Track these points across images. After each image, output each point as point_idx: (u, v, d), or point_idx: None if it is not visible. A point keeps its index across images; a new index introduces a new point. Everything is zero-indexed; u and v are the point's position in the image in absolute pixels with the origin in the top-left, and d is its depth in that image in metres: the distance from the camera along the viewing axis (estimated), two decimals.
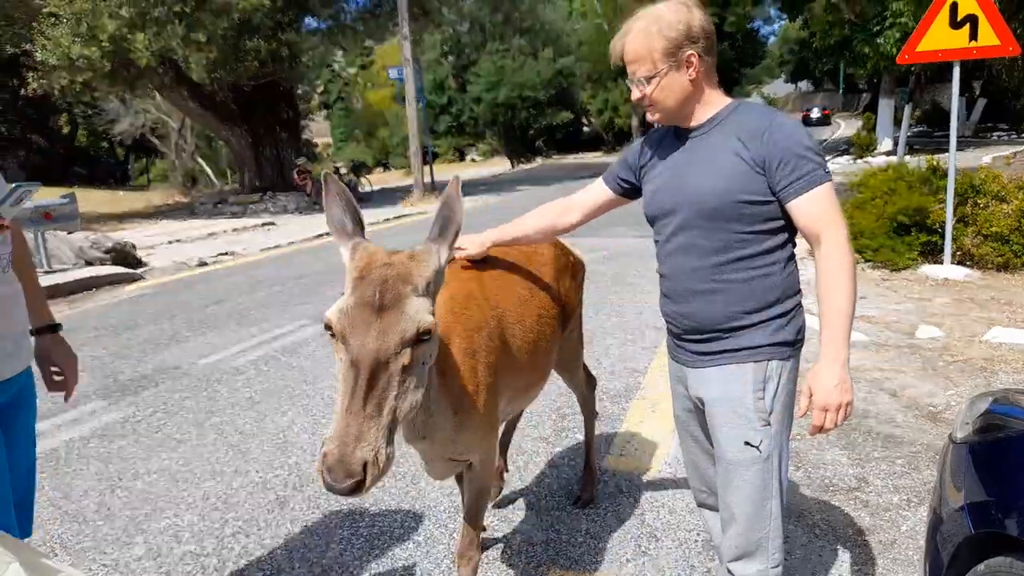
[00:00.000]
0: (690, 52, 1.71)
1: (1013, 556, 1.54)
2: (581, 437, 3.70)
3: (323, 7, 16.83)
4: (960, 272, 6.57)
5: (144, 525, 3.02)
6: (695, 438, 2.02)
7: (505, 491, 3.16)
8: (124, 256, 9.27)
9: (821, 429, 1.73)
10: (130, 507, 3.18)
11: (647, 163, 1.95)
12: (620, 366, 4.77)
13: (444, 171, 25.72)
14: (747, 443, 1.79)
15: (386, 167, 40.62)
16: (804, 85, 72.52)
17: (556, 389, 4.42)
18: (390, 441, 1.27)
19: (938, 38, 6.40)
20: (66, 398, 2.04)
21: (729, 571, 1.94)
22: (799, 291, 1.84)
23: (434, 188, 18.70)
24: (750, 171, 1.71)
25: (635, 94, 1.78)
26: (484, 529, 2.28)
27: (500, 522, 2.93)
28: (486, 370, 1.87)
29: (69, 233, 8.91)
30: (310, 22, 17.73)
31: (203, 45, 13.78)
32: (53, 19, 13.34)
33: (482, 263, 2.14)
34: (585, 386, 3.01)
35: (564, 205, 2.19)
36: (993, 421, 1.80)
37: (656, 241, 1.93)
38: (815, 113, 46.54)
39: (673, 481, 3.20)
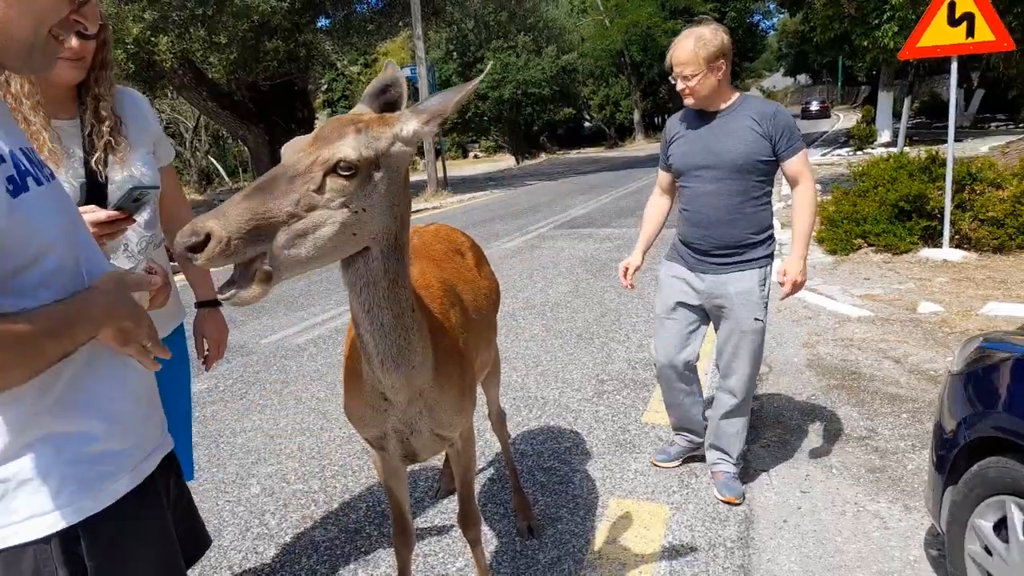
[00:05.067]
0: (721, 61, 2.68)
1: (999, 455, 2.00)
2: (620, 398, 4.18)
3: (337, 7, 17.26)
4: (958, 254, 7.02)
5: (254, 470, 3.49)
6: (674, 320, 3.01)
7: (563, 441, 3.64)
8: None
9: (790, 294, 2.85)
10: (236, 458, 3.65)
11: (674, 136, 2.92)
12: (648, 340, 5.23)
13: (449, 167, 26.12)
14: (756, 319, 2.84)
15: None
16: (803, 78, 72.82)
17: (592, 359, 4.89)
18: (251, 241, 1.19)
19: (937, 35, 6.83)
20: (206, 367, 2.24)
21: (719, 426, 3.06)
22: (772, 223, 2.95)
23: (446, 184, 19.15)
24: (761, 139, 2.71)
25: (680, 85, 2.72)
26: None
27: (560, 464, 3.40)
28: (464, 344, 1.93)
29: None
30: (324, 22, 18.13)
31: (224, 47, 14.22)
32: None
33: (426, 255, 2.18)
34: (499, 404, 3.02)
35: (657, 195, 3.15)
36: (984, 354, 2.26)
37: (682, 187, 2.90)
38: (814, 106, 46.75)
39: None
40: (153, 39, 13.79)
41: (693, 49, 2.64)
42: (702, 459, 3.25)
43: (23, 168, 1.03)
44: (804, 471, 3.22)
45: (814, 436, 3.56)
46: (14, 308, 0.98)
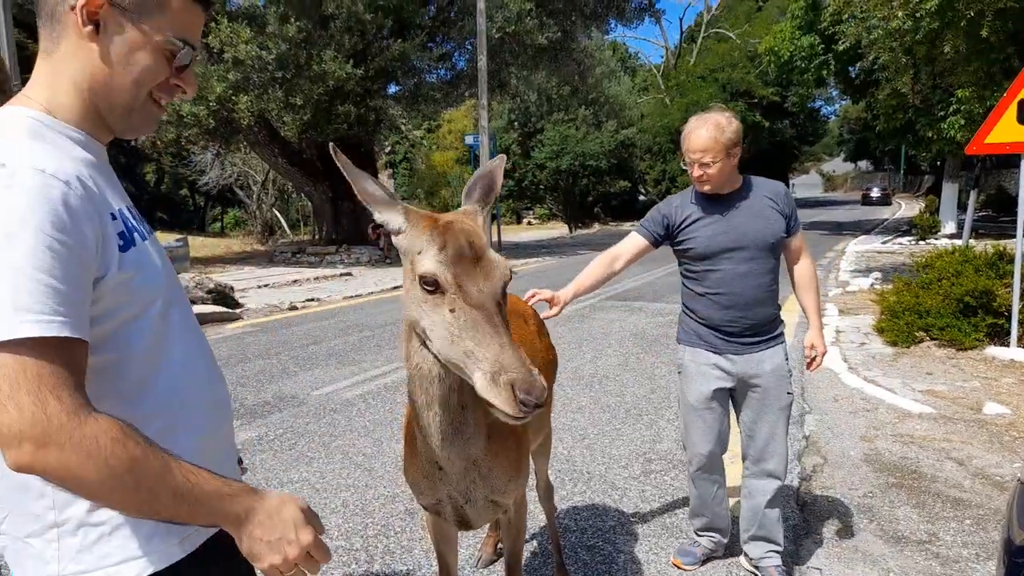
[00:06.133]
0: (737, 148, 2.69)
1: None
2: (669, 479, 4.09)
3: (408, 76, 18.08)
4: None
5: None
6: (712, 409, 2.92)
7: (608, 519, 3.57)
8: (223, 297, 10.07)
9: (819, 366, 2.99)
10: None
11: (687, 218, 2.82)
12: None
13: (503, 233, 26.55)
14: (788, 392, 2.88)
15: None
16: (864, 164, 72.29)
17: (640, 436, 4.82)
18: None
19: (1006, 132, 6.74)
20: None
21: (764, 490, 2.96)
22: None
23: (500, 248, 19.42)
24: (781, 217, 2.79)
25: (696, 172, 2.70)
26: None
27: (604, 543, 3.33)
28: None
29: (179, 274, 9.77)
30: (394, 89, 18.96)
31: (298, 108, 14.98)
32: None
33: None
34: (547, 476, 3.04)
35: (612, 255, 2.96)
36: None
37: (707, 271, 2.81)
38: (875, 192, 46.12)
39: None
40: (234, 98, 14.64)
41: (713, 136, 2.63)
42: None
43: (130, 224, 1.12)
44: (859, 572, 3.08)
45: (871, 536, 3.42)
46: (126, 354, 1.05)
